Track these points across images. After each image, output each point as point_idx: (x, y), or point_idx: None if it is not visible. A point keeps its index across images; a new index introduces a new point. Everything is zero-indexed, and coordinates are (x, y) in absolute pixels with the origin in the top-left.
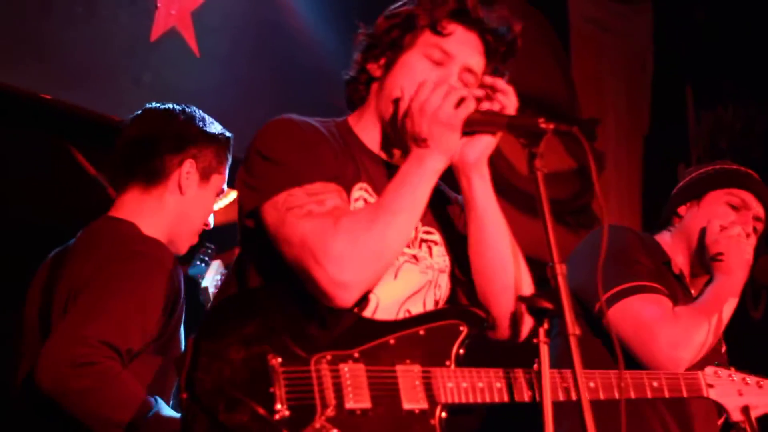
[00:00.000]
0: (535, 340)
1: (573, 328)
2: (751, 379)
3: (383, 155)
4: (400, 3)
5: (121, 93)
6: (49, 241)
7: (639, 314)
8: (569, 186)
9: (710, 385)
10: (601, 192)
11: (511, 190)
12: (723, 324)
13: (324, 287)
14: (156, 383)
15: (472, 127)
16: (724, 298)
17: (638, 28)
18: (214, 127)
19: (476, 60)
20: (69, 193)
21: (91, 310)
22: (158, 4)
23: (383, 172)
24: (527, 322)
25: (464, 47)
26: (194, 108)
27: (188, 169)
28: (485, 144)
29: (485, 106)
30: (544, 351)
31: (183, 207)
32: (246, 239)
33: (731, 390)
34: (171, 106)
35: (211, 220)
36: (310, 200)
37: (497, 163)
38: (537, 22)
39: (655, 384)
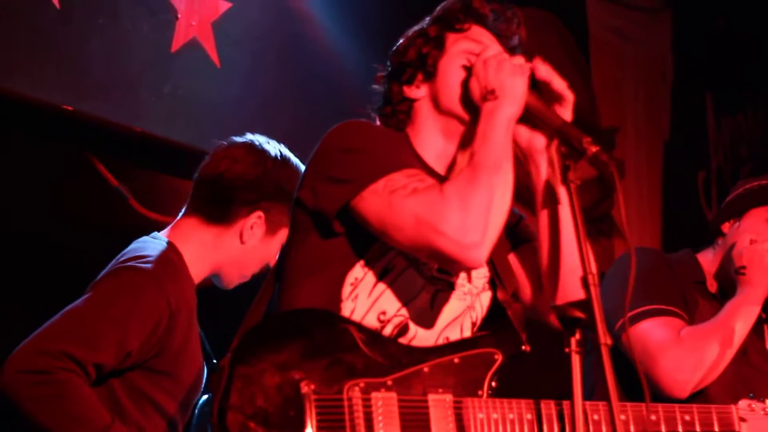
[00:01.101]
0: (567, 350)
1: (605, 338)
2: None
3: (440, 171)
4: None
5: (142, 104)
6: (72, 251)
7: (646, 339)
8: (589, 194)
9: (743, 419)
10: (621, 200)
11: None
12: (740, 338)
13: (454, 254)
14: (169, 398)
15: (528, 114)
16: (741, 312)
17: (658, 36)
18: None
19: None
20: (91, 204)
21: (64, 321)
22: (179, 15)
23: None
24: None
25: (485, 38)
26: (287, 155)
27: (255, 221)
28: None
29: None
30: (576, 361)
31: (239, 254)
32: (303, 235)
33: (764, 424)
34: (263, 147)
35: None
36: (412, 180)
37: (519, 170)
38: (557, 31)
39: (687, 417)
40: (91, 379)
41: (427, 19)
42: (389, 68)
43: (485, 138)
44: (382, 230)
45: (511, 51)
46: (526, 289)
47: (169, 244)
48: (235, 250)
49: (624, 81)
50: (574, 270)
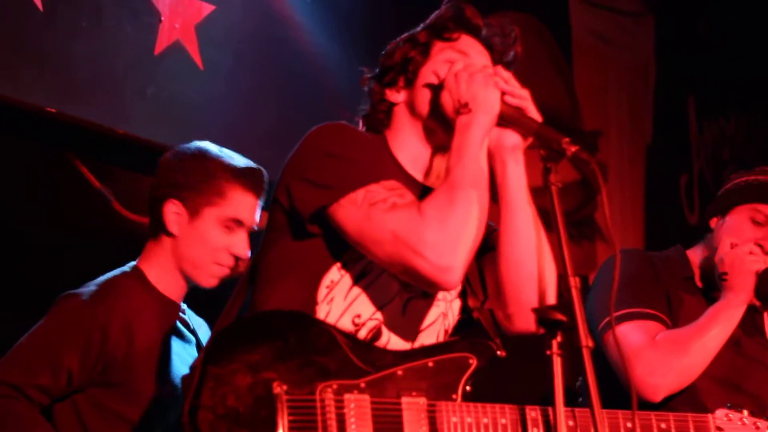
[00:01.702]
0: (548, 352)
1: (586, 341)
2: (762, 424)
3: (416, 176)
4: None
5: (125, 106)
6: (54, 253)
7: (622, 342)
8: (572, 197)
9: (719, 429)
10: (605, 196)
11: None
12: (720, 342)
13: (430, 276)
14: (132, 406)
15: (504, 122)
16: (721, 317)
17: (640, 40)
18: (208, 161)
19: (486, 63)
20: (74, 206)
21: (6, 355)
22: (162, 18)
23: (415, 193)
24: None
25: (474, 49)
26: (191, 147)
27: (173, 210)
28: (519, 138)
29: (512, 101)
30: (557, 363)
31: (181, 248)
32: (278, 237)
33: None
34: (181, 149)
35: (240, 251)
36: (392, 194)
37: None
38: (539, 34)
39: (663, 426)
40: (37, 401)
41: (421, 24)
42: (376, 69)
43: (461, 154)
44: (358, 241)
45: (504, 67)
46: (490, 297)
47: (132, 268)
48: (177, 246)
49: (607, 85)
50: (531, 276)
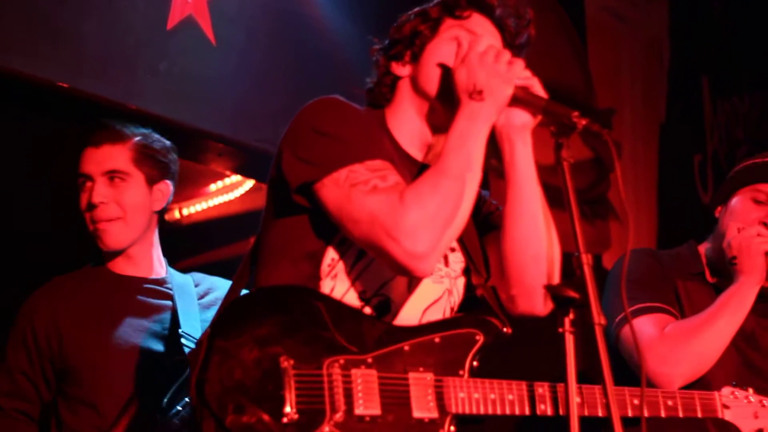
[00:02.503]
0: (560, 330)
1: (598, 318)
2: None
3: (413, 154)
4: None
5: (137, 81)
6: (64, 229)
7: (631, 338)
8: (585, 176)
9: (726, 406)
10: (617, 182)
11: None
12: (734, 327)
13: (401, 261)
14: (94, 391)
15: (512, 103)
16: (732, 302)
17: (654, 18)
18: None
19: (497, 44)
20: None
21: None
22: None
23: (411, 171)
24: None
25: (484, 29)
26: None
27: None
28: (528, 116)
29: (518, 82)
30: (570, 341)
31: None
32: (278, 214)
33: (747, 412)
34: None
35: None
36: (374, 176)
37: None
38: (553, 12)
39: (669, 403)
40: (21, 411)
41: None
42: (386, 41)
43: (461, 142)
44: (338, 219)
45: (516, 49)
46: (493, 275)
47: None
48: None
49: (620, 63)
50: (536, 258)
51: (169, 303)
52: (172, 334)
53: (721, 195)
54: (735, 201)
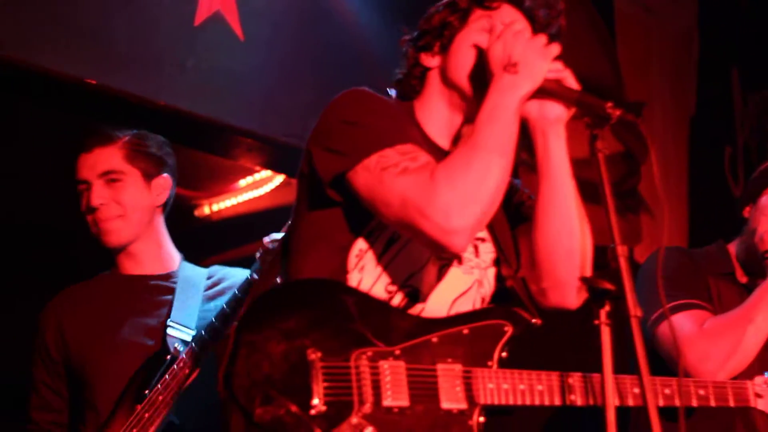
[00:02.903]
0: (596, 322)
1: (635, 310)
2: None
3: (442, 144)
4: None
5: (165, 77)
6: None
7: (670, 335)
8: (616, 169)
9: (758, 395)
10: (648, 175)
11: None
12: None
13: (436, 238)
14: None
15: (544, 95)
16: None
17: (684, 10)
18: None
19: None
20: None
21: None
22: None
23: (440, 161)
24: (583, 291)
25: (514, 19)
26: None
27: None
28: (562, 109)
29: (550, 75)
30: (606, 333)
31: None
32: (308, 207)
33: None
34: None
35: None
36: (404, 158)
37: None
38: (582, 5)
39: (701, 392)
40: (51, 423)
41: None
42: (414, 33)
43: (493, 115)
44: (371, 205)
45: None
46: (524, 266)
47: None
48: None
49: (650, 56)
50: (568, 253)
51: (170, 297)
52: (164, 326)
53: (749, 194)
54: (764, 198)
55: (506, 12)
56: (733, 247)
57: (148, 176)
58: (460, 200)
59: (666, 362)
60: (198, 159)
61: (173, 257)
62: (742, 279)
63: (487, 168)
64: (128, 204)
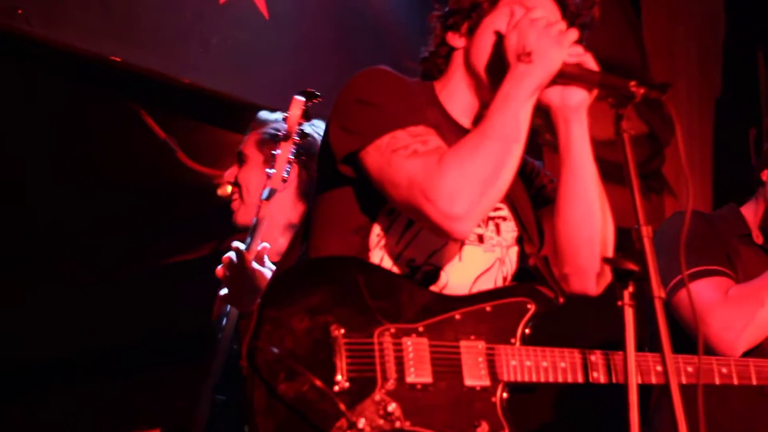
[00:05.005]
0: (619, 303)
1: (659, 291)
2: None
3: (463, 123)
4: None
5: (190, 56)
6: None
7: (695, 300)
8: (639, 151)
9: None
10: (672, 157)
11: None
12: None
13: (438, 222)
14: None
15: (565, 79)
16: None
17: None
18: None
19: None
20: (139, 156)
21: None
22: None
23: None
24: (605, 278)
25: (545, 6)
26: None
27: None
28: (584, 94)
29: (570, 59)
30: (629, 314)
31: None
32: (328, 187)
33: None
34: None
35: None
36: (415, 141)
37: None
38: None
39: (724, 370)
40: None
41: None
42: (446, 8)
43: (505, 103)
44: (380, 185)
45: (577, 29)
46: (547, 245)
47: None
48: None
49: (675, 37)
50: (590, 240)
51: None
52: None
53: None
54: None
55: None
56: (746, 209)
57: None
58: (465, 186)
59: (684, 330)
60: (222, 137)
61: None
62: (759, 240)
63: (494, 155)
64: None
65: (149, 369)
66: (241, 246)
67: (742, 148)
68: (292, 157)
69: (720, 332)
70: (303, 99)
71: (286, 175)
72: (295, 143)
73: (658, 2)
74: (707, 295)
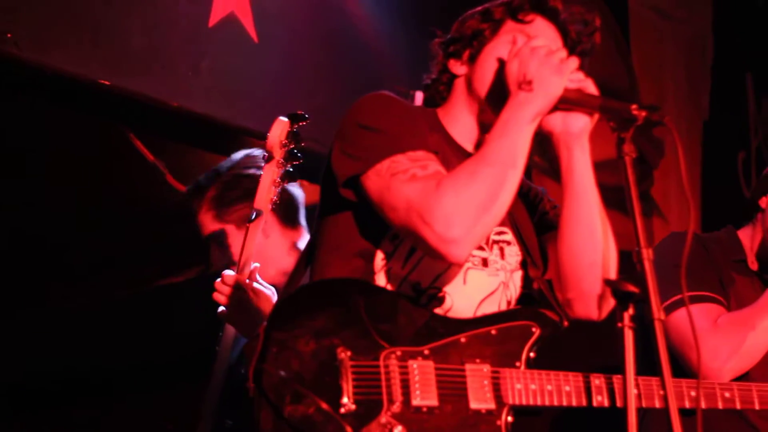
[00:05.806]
0: (619, 324)
1: (658, 313)
2: None
3: (468, 149)
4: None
5: (179, 79)
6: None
7: (684, 327)
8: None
9: None
10: (660, 179)
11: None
12: None
13: (435, 246)
14: None
15: (566, 105)
16: None
17: (698, 15)
18: None
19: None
20: (128, 180)
21: None
22: None
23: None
24: (608, 303)
25: (546, 34)
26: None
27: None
28: (586, 120)
29: (571, 85)
30: (629, 336)
31: (264, 250)
32: (331, 211)
33: None
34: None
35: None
36: (414, 165)
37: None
38: (597, 9)
39: (727, 395)
40: None
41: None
42: (448, 36)
43: (504, 130)
44: (380, 209)
45: (578, 56)
46: (550, 270)
47: None
48: (263, 246)
49: (664, 60)
50: (593, 266)
51: None
52: None
53: (766, 184)
54: None
55: (539, 26)
56: (743, 234)
57: None
58: (462, 211)
59: (674, 355)
60: (210, 161)
61: None
62: (753, 266)
63: (491, 181)
64: None
65: (137, 393)
66: (229, 272)
67: (730, 171)
68: (279, 180)
69: (707, 361)
70: (286, 120)
71: (275, 198)
72: (279, 165)
73: (647, 25)
74: (696, 322)
